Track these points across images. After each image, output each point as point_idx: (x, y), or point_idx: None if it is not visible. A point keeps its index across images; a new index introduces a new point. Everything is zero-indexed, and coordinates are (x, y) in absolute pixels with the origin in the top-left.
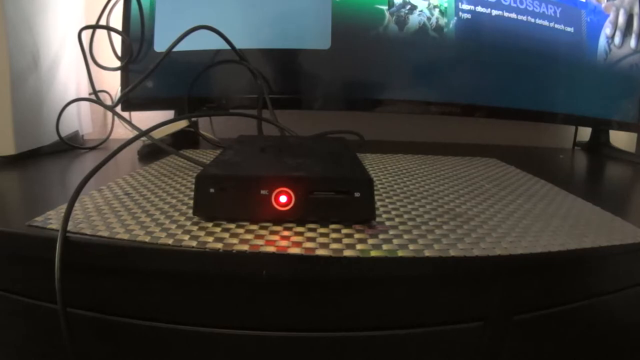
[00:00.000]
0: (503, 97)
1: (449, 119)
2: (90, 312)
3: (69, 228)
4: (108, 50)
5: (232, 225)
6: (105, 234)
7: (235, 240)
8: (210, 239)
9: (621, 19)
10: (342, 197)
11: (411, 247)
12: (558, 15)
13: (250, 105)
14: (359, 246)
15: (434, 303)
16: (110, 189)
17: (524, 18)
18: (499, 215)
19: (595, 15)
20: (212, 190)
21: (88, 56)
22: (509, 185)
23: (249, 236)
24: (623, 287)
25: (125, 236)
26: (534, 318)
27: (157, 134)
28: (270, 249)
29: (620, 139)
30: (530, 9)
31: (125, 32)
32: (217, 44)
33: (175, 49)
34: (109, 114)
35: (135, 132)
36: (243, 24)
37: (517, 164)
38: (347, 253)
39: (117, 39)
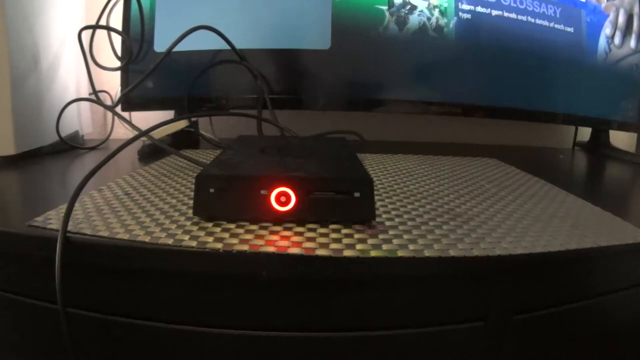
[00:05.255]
0: (503, 97)
1: (449, 119)
2: (90, 312)
3: (69, 228)
4: (108, 50)
5: (232, 225)
6: (105, 234)
7: (235, 240)
8: (210, 239)
9: (621, 19)
10: (342, 197)
11: (411, 247)
12: (558, 15)
13: (250, 105)
14: (358, 246)
15: (434, 303)
16: (110, 189)
17: (524, 18)
18: (499, 216)
19: (595, 15)
20: (212, 190)
21: (88, 56)
22: (509, 186)
23: (249, 236)
24: (623, 287)
25: (125, 236)
26: (534, 318)
27: (157, 134)
28: (270, 249)
29: (620, 139)
30: (530, 9)
31: (125, 32)
32: (217, 44)
33: (175, 49)
34: (109, 114)
35: (135, 132)
36: (243, 24)
37: (517, 164)
38: (347, 253)
39: (117, 39)
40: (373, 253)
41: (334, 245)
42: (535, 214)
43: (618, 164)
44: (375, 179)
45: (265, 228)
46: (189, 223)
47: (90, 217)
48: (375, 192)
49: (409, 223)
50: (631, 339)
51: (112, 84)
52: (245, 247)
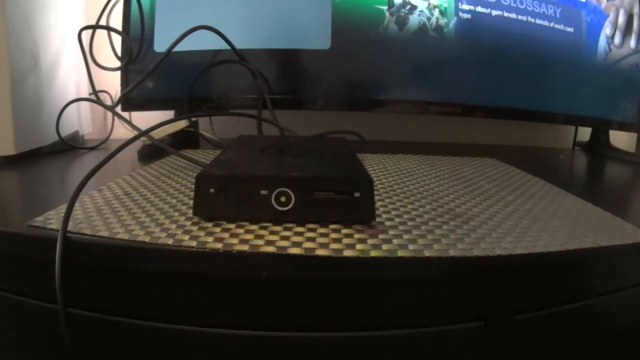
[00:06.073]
0: (503, 97)
1: (449, 119)
2: (90, 312)
3: (69, 228)
4: (108, 50)
5: (232, 225)
6: (105, 234)
7: (235, 240)
8: (210, 239)
9: (621, 19)
10: (342, 197)
11: (411, 247)
12: (558, 16)
13: (250, 105)
14: (358, 246)
15: (434, 303)
16: (110, 189)
17: (524, 18)
18: (499, 216)
19: (595, 15)
20: (212, 190)
21: (88, 56)
22: (509, 185)
23: (249, 236)
24: (623, 287)
25: (125, 236)
26: (534, 318)
27: (157, 134)
28: (270, 249)
29: (620, 139)
30: (530, 9)
31: (125, 32)
32: (217, 44)
33: (175, 49)
34: (109, 114)
35: (135, 132)
36: (243, 24)
37: (517, 164)
38: (347, 253)
39: (117, 39)
40: (373, 253)
41: (334, 245)
42: (535, 214)
43: (618, 164)
44: (375, 179)
45: (265, 228)
46: (189, 223)
47: (90, 217)
48: (375, 192)
49: (409, 223)
50: (631, 339)
51: (112, 84)
52: (245, 247)
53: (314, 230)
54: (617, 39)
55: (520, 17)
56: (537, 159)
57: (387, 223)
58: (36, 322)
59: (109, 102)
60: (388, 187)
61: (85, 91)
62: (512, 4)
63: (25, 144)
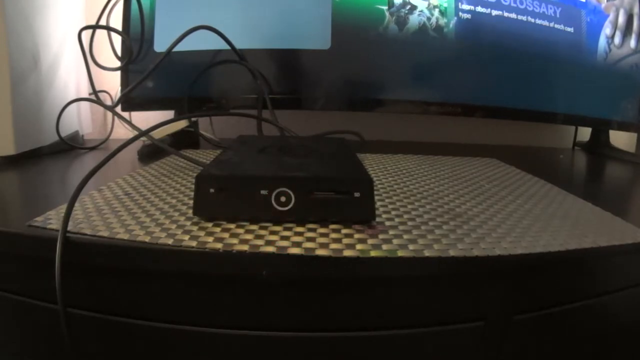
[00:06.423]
0: (503, 97)
1: (449, 119)
2: (90, 312)
3: (69, 228)
4: (108, 50)
5: (232, 225)
6: (105, 234)
7: (235, 240)
8: (210, 239)
9: (621, 19)
10: (342, 197)
11: (411, 247)
12: (558, 15)
13: (250, 105)
14: (358, 246)
15: (434, 303)
16: (110, 189)
17: (524, 18)
18: (499, 216)
19: (595, 15)
20: (212, 190)
21: (88, 56)
22: (509, 185)
23: (249, 236)
24: (623, 287)
25: (125, 236)
26: (534, 318)
27: (157, 134)
28: (270, 249)
29: (620, 139)
30: (530, 9)
31: (125, 32)
32: (217, 44)
33: (175, 49)
34: (109, 114)
35: (135, 132)
36: (243, 24)
37: (517, 164)
38: (347, 253)
39: (117, 39)
40: (373, 253)
41: (334, 245)
42: (535, 214)
43: (618, 164)
44: (375, 179)
45: (265, 228)
46: (189, 223)
47: (90, 217)
48: (375, 192)
49: (409, 223)
50: (631, 339)
51: (112, 84)
52: (245, 247)
53: (314, 230)
54: (617, 39)
55: (520, 17)
56: (537, 159)
57: (387, 223)
58: (36, 322)
59: (109, 102)
60: (388, 187)
61: (85, 91)
62: (512, 4)
63: (25, 144)
